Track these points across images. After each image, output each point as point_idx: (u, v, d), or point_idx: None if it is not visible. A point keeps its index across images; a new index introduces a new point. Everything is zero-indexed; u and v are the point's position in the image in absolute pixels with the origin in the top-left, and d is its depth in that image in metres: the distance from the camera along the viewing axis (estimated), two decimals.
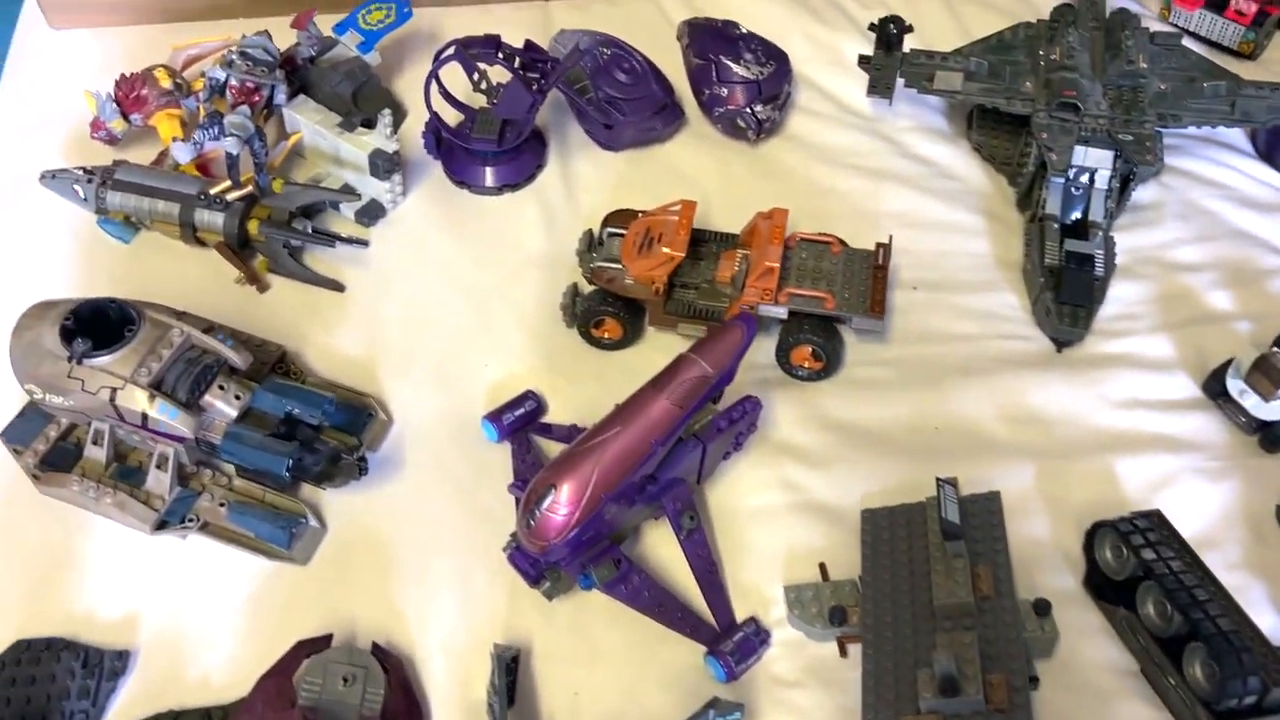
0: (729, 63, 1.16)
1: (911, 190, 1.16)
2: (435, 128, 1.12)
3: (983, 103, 1.11)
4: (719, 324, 1.00)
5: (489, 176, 1.13)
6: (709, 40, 1.19)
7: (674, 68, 1.25)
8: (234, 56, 1.05)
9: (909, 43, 1.16)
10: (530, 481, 0.80)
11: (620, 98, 1.16)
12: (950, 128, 1.22)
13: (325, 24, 1.19)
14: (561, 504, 0.77)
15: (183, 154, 1.03)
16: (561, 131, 1.20)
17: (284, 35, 1.25)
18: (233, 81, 1.04)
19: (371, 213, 1.09)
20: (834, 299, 0.97)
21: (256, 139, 1.02)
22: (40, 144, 1.16)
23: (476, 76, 1.10)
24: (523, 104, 1.07)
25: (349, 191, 1.10)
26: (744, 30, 1.20)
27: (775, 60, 1.18)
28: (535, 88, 1.09)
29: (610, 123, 1.16)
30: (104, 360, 0.82)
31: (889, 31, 1.11)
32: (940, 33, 1.31)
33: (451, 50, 1.08)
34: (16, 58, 1.26)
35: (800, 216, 1.11)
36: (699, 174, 1.18)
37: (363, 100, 1.15)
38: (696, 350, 0.84)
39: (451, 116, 1.15)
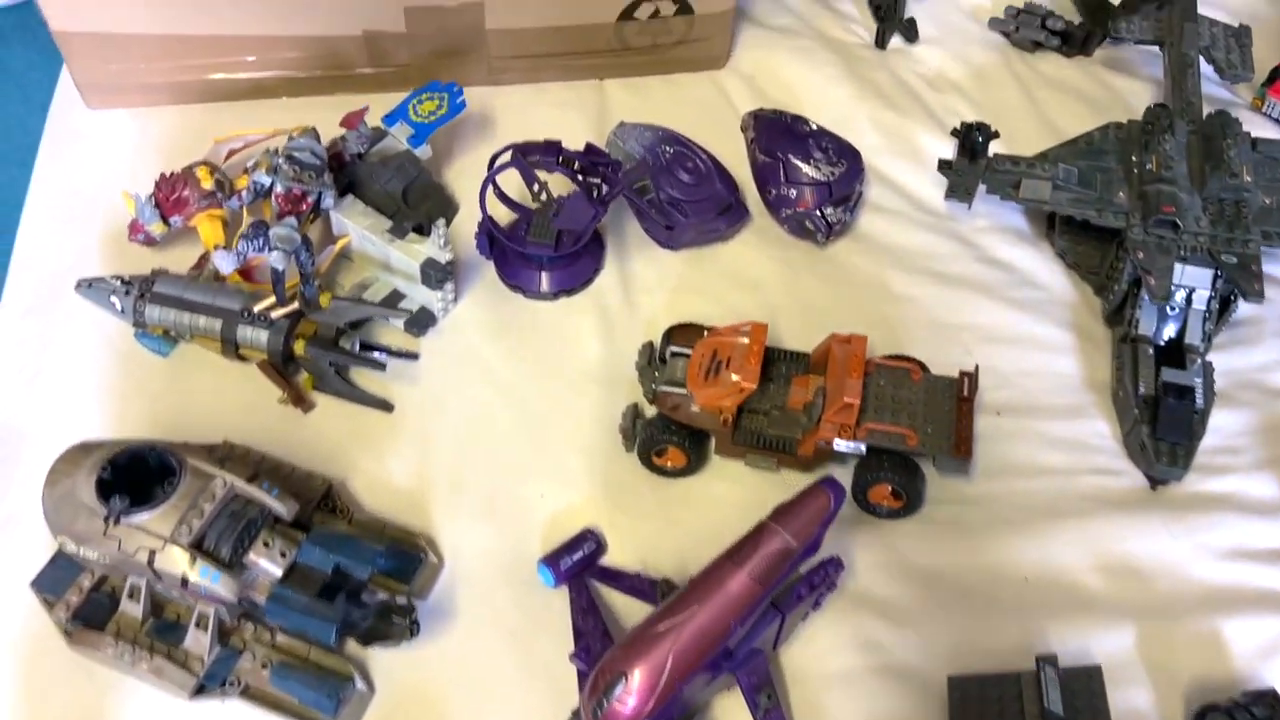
0: (798, 163, 1.10)
1: (991, 300, 1.09)
2: (489, 229, 1.06)
3: (1072, 214, 1.04)
4: (791, 457, 0.94)
5: (544, 282, 1.07)
6: (776, 137, 1.12)
7: (736, 153, 1.19)
8: (280, 161, 0.99)
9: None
10: (597, 659, 0.74)
11: (683, 199, 1.09)
12: (1031, 228, 1.15)
13: (374, 111, 1.14)
14: (632, 693, 0.71)
15: (225, 264, 0.97)
16: (619, 229, 1.13)
17: (329, 116, 1.21)
18: (278, 189, 0.99)
19: (421, 322, 1.04)
20: (916, 435, 0.91)
21: (303, 250, 0.96)
22: (76, 236, 1.10)
23: (537, 187, 1.03)
24: (584, 217, 1.01)
25: (398, 299, 1.04)
26: (813, 126, 1.14)
27: (846, 159, 1.11)
28: (596, 194, 1.03)
29: (672, 224, 1.09)
30: (143, 518, 0.76)
31: (974, 140, 1.04)
32: (1017, 118, 1.25)
33: (508, 156, 1.02)
34: (52, 139, 1.21)
35: (873, 327, 1.05)
36: (763, 276, 1.11)
37: (413, 196, 1.09)
38: (778, 519, 0.77)
39: (504, 213, 1.09)
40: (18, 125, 2.06)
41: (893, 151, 1.22)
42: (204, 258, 1.04)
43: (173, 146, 1.18)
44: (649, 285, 1.10)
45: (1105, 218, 1.03)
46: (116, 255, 1.08)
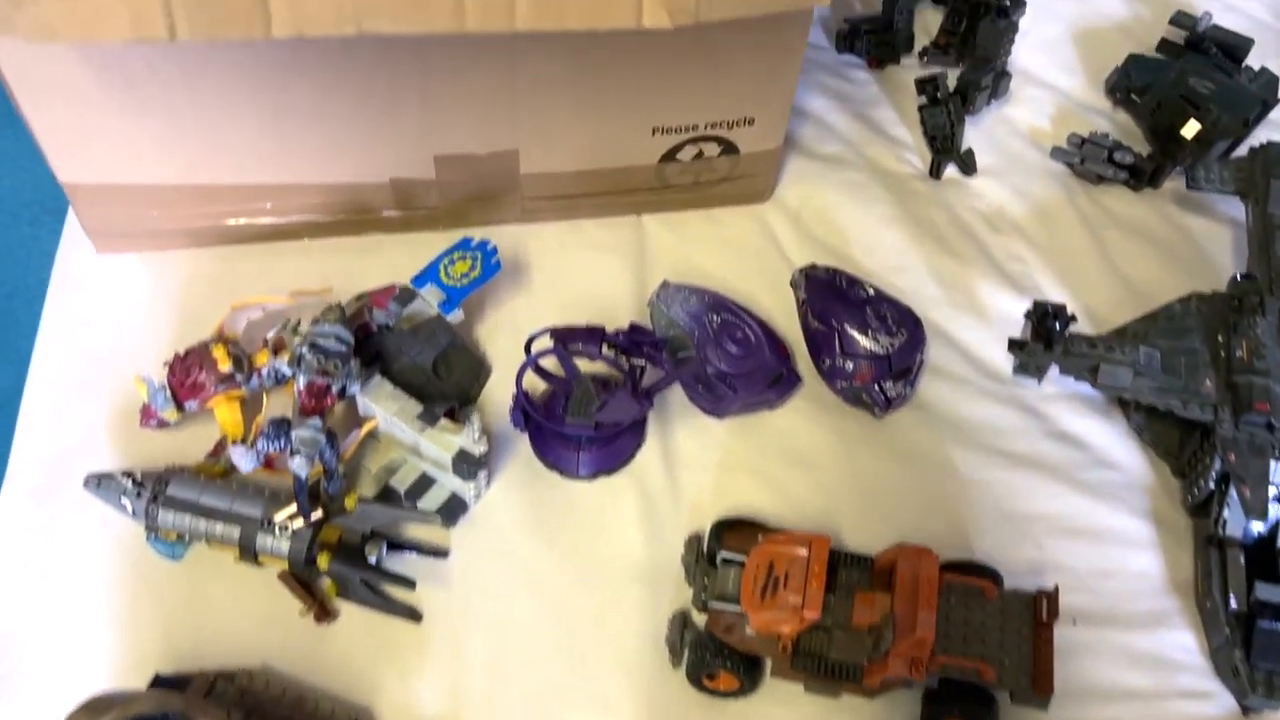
0: (854, 333, 1.03)
1: (1063, 484, 1.02)
2: (524, 407, 0.99)
3: (1155, 404, 0.96)
4: (857, 686, 0.87)
5: (583, 463, 1.00)
6: (830, 302, 1.05)
7: (782, 300, 1.12)
8: (303, 350, 0.92)
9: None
10: None
11: (731, 372, 1.02)
12: (1103, 397, 1.07)
13: (401, 258, 1.08)
14: None
15: (244, 463, 0.90)
16: (660, 396, 1.06)
17: (352, 259, 1.15)
18: (301, 382, 0.92)
19: (452, 512, 0.97)
20: (993, 669, 0.84)
21: (328, 448, 0.89)
22: (86, 405, 1.03)
23: (577, 382, 0.96)
24: (629, 412, 0.94)
25: (428, 484, 0.97)
26: (870, 291, 1.06)
27: (906, 328, 1.04)
28: (641, 374, 0.96)
29: (720, 396, 1.02)
30: None
31: (1049, 327, 0.96)
32: (1084, 263, 1.18)
33: (548, 341, 0.95)
34: (60, 287, 1.14)
35: (938, 515, 0.99)
36: (816, 451, 1.04)
37: (443, 366, 1.02)
38: None
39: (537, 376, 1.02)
40: (29, 180, 2.01)
41: (952, 304, 1.14)
42: (220, 444, 0.97)
43: (187, 297, 1.11)
44: (694, 462, 1.03)
45: (1191, 410, 0.95)
46: (127, 431, 1.01)
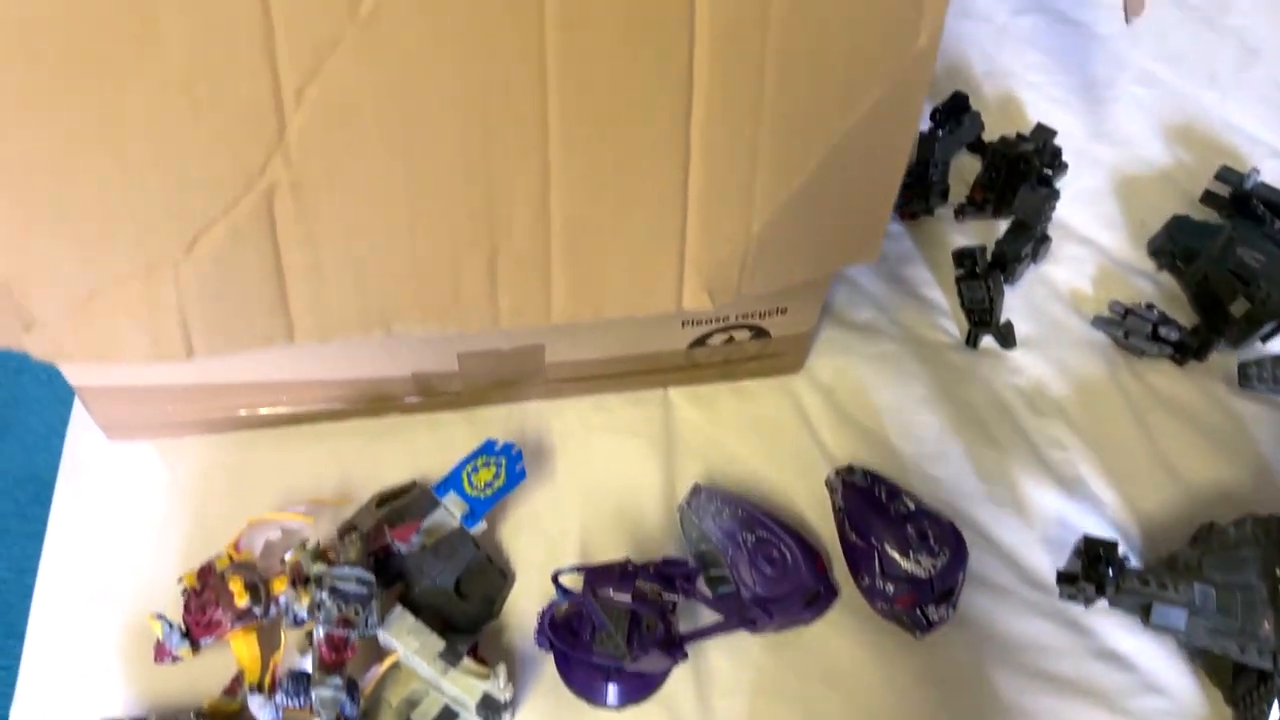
0: (894, 554, 0.98)
1: (1111, 713, 0.97)
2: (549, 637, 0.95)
3: (1210, 648, 0.92)
4: None
5: (612, 694, 0.96)
6: (869, 515, 1.01)
7: (817, 494, 1.08)
8: (323, 596, 0.88)
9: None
10: None
11: (766, 595, 0.98)
12: None
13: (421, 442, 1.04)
14: None
15: (262, 715, 0.87)
16: (692, 610, 1.02)
17: (369, 442, 1.11)
18: (320, 634, 0.88)
19: None
20: None
21: (348, 702, 0.86)
22: (97, 622, 0.99)
23: (607, 635, 0.92)
24: (661, 665, 0.91)
25: (451, 718, 0.94)
26: (910, 506, 1.02)
27: (949, 547, 1.00)
28: (674, 608, 0.92)
29: (754, 619, 0.98)
30: None
31: (1101, 574, 0.92)
32: (1129, 452, 1.14)
33: (577, 580, 0.92)
34: (69, 476, 1.10)
35: None
36: (854, 672, 1.00)
37: (468, 583, 0.99)
38: None
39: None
40: None
41: (993, 500, 1.10)
42: (237, 680, 0.93)
43: (202, 491, 1.07)
44: (726, 686, 0.99)
45: (1249, 655, 0.91)
46: (141, 656, 0.97)
